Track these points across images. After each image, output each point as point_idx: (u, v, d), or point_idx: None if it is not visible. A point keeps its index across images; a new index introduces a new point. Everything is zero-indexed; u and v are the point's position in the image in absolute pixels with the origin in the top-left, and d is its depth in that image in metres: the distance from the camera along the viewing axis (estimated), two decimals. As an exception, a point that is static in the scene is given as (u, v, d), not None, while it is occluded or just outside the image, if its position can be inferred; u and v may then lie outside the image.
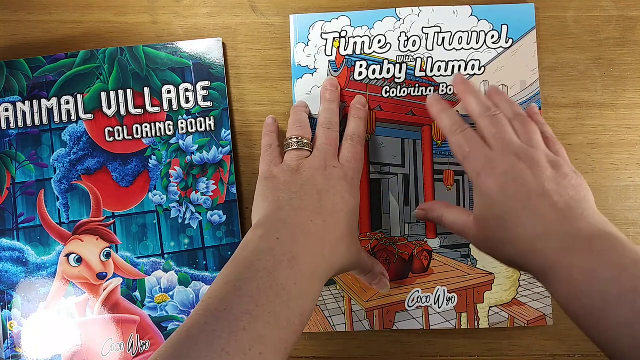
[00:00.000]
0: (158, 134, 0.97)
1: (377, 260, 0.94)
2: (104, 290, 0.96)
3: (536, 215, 0.75)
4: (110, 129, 0.98)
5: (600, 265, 0.69)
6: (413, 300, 0.96)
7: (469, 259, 0.96)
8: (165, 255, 0.97)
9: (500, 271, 0.96)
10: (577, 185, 0.78)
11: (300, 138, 0.89)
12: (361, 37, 0.97)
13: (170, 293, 0.97)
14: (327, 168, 0.85)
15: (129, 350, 0.96)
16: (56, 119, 0.98)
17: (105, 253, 0.97)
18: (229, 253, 0.97)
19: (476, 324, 0.95)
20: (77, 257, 0.96)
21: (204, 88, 0.98)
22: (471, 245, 0.96)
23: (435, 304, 0.96)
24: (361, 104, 0.95)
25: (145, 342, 0.96)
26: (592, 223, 0.74)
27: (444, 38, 0.97)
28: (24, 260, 0.96)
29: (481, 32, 0.97)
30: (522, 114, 0.87)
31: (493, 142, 0.82)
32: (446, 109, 0.89)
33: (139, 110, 0.98)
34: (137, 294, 0.97)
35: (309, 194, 0.81)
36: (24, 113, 0.97)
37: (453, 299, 0.96)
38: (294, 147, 0.89)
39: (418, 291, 0.96)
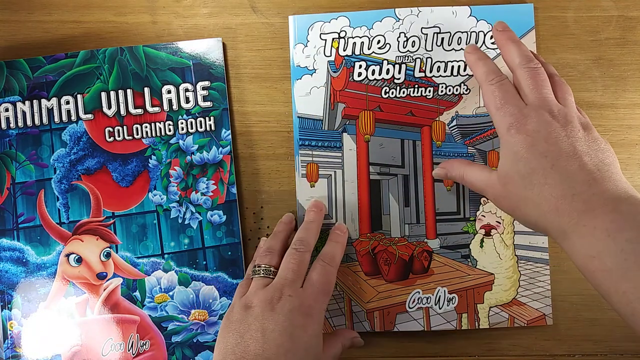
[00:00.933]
0: (158, 134, 0.98)
1: (340, 333, 0.93)
2: (104, 290, 0.96)
3: (564, 175, 0.74)
4: (110, 129, 0.98)
5: (626, 225, 0.69)
6: (414, 302, 0.96)
7: (469, 260, 0.96)
8: (165, 255, 0.97)
9: (500, 271, 0.96)
10: (606, 149, 0.78)
11: (267, 266, 0.88)
12: (360, 37, 0.97)
13: (170, 293, 0.97)
14: (282, 299, 0.82)
15: (129, 350, 0.96)
16: (56, 119, 0.98)
17: (105, 253, 0.97)
18: (229, 253, 0.98)
19: (476, 324, 0.95)
20: (77, 257, 0.96)
21: (204, 88, 0.98)
22: (471, 246, 0.96)
23: (435, 304, 0.96)
24: (341, 230, 0.95)
25: (145, 342, 0.96)
26: (618, 186, 0.74)
27: (443, 38, 0.97)
28: (24, 260, 0.96)
29: (480, 33, 0.97)
30: (557, 75, 0.86)
31: (530, 96, 0.80)
32: (483, 58, 0.87)
33: (139, 110, 0.98)
34: (137, 294, 0.97)
35: (254, 336, 0.79)
36: (24, 113, 0.97)
37: (453, 300, 0.96)
38: (259, 275, 0.88)
39: (418, 292, 0.96)
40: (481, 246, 0.96)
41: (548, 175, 0.74)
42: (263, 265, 0.88)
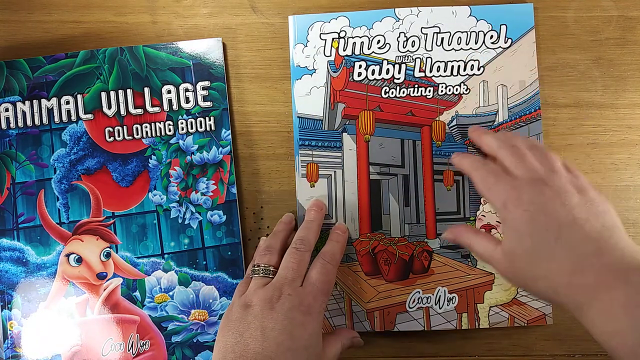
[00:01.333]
0: (158, 134, 0.98)
1: (340, 332, 0.93)
2: (104, 290, 0.96)
3: (569, 248, 0.73)
4: (110, 129, 0.98)
5: None
6: (414, 302, 0.96)
7: (469, 259, 0.96)
8: (165, 255, 0.97)
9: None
10: (605, 211, 0.77)
11: (266, 266, 0.88)
12: (360, 37, 0.97)
13: (170, 293, 0.97)
14: (281, 298, 0.82)
15: (129, 350, 0.96)
16: (56, 119, 0.98)
17: (105, 253, 0.97)
18: (229, 253, 0.98)
19: (476, 324, 0.95)
20: (77, 257, 0.96)
21: (204, 88, 0.98)
22: (471, 246, 0.97)
23: (436, 304, 0.96)
24: (341, 229, 0.95)
25: (145, 342, 0.96)
26: (626, 254, 0.72)
27: (443, 38, 0.97)
28: (24, 260, 0.96)
29: (480, 32, 0.97)
30: (539, 146, 0.86)
31: (516, 170, 0.81)
32: (466, 155, 0.89)
33: (139, 110, 0.98)
34: (137, 294, 0.97)
35: (253, 335, 0.78)
36: (24, 113, 0.98)
37: (454, 300, 0.96)
38: (259, 274, 0.88)
39: (419, 292, 0.96)
40: (482, 246, 0.96)
41: (554, 250, 0.74)
42: (262, 265, 0.88)
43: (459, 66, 0.97)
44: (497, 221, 0.96)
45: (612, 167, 0.98)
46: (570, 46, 0.99)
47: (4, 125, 0.98)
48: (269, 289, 0.83)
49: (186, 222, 0.97)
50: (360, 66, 0.97)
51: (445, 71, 0.97)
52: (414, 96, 0.97)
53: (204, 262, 0.97)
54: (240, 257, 0.98)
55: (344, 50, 0.98)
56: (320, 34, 0.98)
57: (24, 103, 0.98)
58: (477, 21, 0.97)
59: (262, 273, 0.87)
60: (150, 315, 0.97)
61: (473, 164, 0.86)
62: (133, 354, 0.96)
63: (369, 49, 0.97)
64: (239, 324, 0.80)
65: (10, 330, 0.96)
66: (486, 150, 0.88)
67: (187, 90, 0.98)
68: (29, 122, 0.98)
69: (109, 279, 0.96)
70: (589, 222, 0.74)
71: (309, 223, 0.93)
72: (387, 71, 0.97)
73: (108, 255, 0.97)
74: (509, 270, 0.79)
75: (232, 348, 0.78)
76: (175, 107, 0.98)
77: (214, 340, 0.95)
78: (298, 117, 0.98)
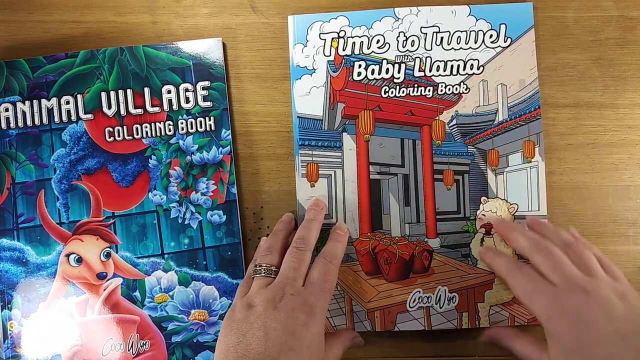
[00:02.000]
0: (158, 134, 0.98)
1: (341, 333, 0.93)
2: (104, 290, 0.96)
3: None
4: (110, 129, 0.98)
5: None
6: (414, 301, 0.96)
7: (469, 259, 0.96)
8: (165, 255, 0.97)
9: (501, 271, 0.95)
10: None
11: (267, 266, 0.88)
12: (360, 37, 0.97)
13: (170, 293, 0.97)
14: (284, 298, 0.81)
15: (129, 350, 0.96)
16: (56, 119, 0.98)
17: (105, 253, 0.97)
18: (229, 253, 0.98)
19: (477, 323, 0.95)
20: (77, 257, 0.96)
21: (204, 88, 0.98)
22: (471, 245, 0.96)
23: (436, 304, 0.96)
24: (342, 229, 0.95)
25: (145, 342, 0.96)
26: None
27: (442, 37, 0.97)
28: (24, 260, 0.96)
29: (479, 32, 0.97)
30: (572, 241, 0.86)
31: (554, 278, 0.81)
32: (499, 254, 0.90)
33: (139, 110, 0.98)
34: (137, 294, 0.97)
35: (256, 335, 0.78)
36: (24, 113, 0.98)
37: (454, 299, 0.96)
38: (261, 274, 0.87)
39: (419, 291, 0.96)
40: (481, 245, 0.96)
41: None
42: (264, 265, 0.87)
43: (458, 65, 0.97)
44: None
45: (612, 167, 0.98)
46: (570, 46, 0.99)
47: (4, 125, 0.98)
48: (271, 289, 0.83)
49: (186, 222, 0.97)
50: (359, 66, 0.97)
51: (444, 70, 0.97)
52: (414, 96, 0.97)
53: (204, 262, 0.97)
54: (240, 257, 0.98)
55: (344, 50, 0.98)
56: (320, 33, 0.98)
57: (24, 103, 0.98)
58: (477, 20, 0.97)
59: (264, 273, 0.87)
60: (150, 315, 0.97)
61: (508, 267, 0.86)
62: (133, 354, 0.96)
63: (368, 48, 0.97)
64: (242, 324, 0.80)
65: (10, 330, 0.96)
66: (516, 249, 0.90)
67: (187, 90, 0.98)
68: (29, 122, 0.98)
69: (109, 279, 0.96)
70: (635, 337, 0.73)
71: (309, 222, 0.92)
72: (387, 71, 0.97)
73: (108, 255, 0.97)
74: None
75: (234, 348, 0.78)
76: (175, 107, 0.98)
77: (214, 340, 0.96)
78: (298, 117, 0.98)
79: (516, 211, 0.95)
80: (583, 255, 0.83)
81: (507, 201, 0.96)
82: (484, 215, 0.96)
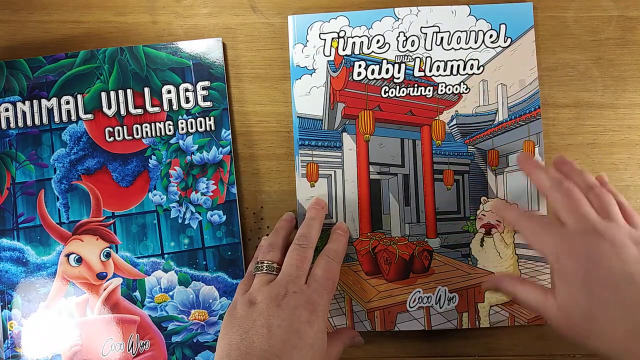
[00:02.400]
0: (158, 134, 0.98)
1: (341, 332, 0.93)
2: (104, 290, 0.96)
3: (626, 308, 0.70)
4: (110, 129, 0.98)
5: None
6: (414, 301, 0.96)
7: (469, 259, 0.96)
8: (165, 255, 0.97)
9: (501, 270, 0.96)
10: None
11: (269, 263, 0.87)
12: (360, 37, 0.97)
13: (170, 293, 0.97)
14: (287, 295, 0.81)
15: (129, 350, 0.96)
16: (56, 119, 0.98)
17: (105, 253, 0.97)
18: (229, 253, 0.98)
19: (477, 323, 0.95)
20: (77, 257, 0.96)
21: (204, 88, 0.98)
22: (471, 245, 0.96)
23: (436, 304, 0.96)
24: (342, 229, 0.94)
25: (145, 342, 0.96)
26: None
27: (442, 37, 0.97)
28: (24, 260, 0.97)
29: (479, 32, 0.97)
30: (596, 184, 0.83)
31: (569, 218, 0.79)
32: (509, 206, 0.91)
33: (139, 110, 0.98)
34: (137, 294, 0.97)
35: (259, 332, 0.77)
36: (24, 113, 0.98)
37: (454, 299, 0.96)
38: (262, 271, 0.86)
39: (419, 291, 0.96)
40: (481, 245, 0.96)
41: (609, 308, 0.71)
42: (266, 262, 0.87)
43: (458, 65, 0.97)
44: (497, 220, 0.96)
45: (612, 167, 0.98)
46: (570, 46, 0.99)
47: (4, 125, 0.98)
48: (274, 286, 0.82)
49: (186, 222, 0.97)
50: (359, 66, 0.97)
51: (444, 70, 0.97)
52: (414, 96, 0.97)
53: (204, 262, 0.97)
54: (240, 257, 0.98)
55: (344, 50, 0.98)
56: (320, 33, 0.98)
57: (24, 103, 0.98)
58: (477, 20, 0.97)
59: (266, 270, 0.86)
60: (150, 315, 0.97)
61: (518, 215, 0.85)
62: (133, 354, 0.96)
63: (368, 48, 0.97)
64: (244, 321, 0.79)
65: (10, 330, 0.96)
66: (537, 185, 0.89)
67: (187, 90, 0.98)
68: (29, 122, 0.98)
69: (109, 279, 0.97)
70: None
71: (310, 220, 0.92)
72: (387, 71, 0.97)
73: (108, 255, 0.97)
74: (562, 324, 0.76)
75: (236, 345, 0.77)
76: (175, 107, 0.98)
77: (214, 340, 0.96)
78: (298, 117, 0.98)
79: (516, 211, 0.96)
80: (604, 199, 0.80)
81: (507, 201, 0.96)
82: (484, 215, 0.96)
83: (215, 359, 0.80)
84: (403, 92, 0.97)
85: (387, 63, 0.97)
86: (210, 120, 0.98)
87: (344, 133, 0.97)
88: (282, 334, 0.77)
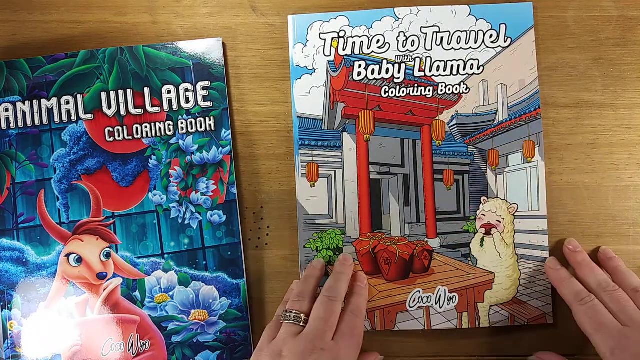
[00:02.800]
0: (158, 134, 0.98)
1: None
2: (104, 290, 0.96)
3: None
4: (110, 129, 0.98)
5: None
6: (414, 301, 0.96)
7: (469, 259, 0.96)
8: (165, 255, 0.97)
9: (501, 270, 0.96)
10: None
11: (297, 313, 0.86)
12: (360, 37, 0.97)
13: (170, 293, 0.97)
14: (314, 352, 0.79)
15: (129, 350, 0.96)
16: (56, 119, 0.98)
17: (105, 253, 0.97)
18: (229, 253, 0.98)
19: (477, 323, 0.95)
20: (77, 257, 0.96)
21: (204, 88, 0.98)
22: (471, 245, 0.96)
23: (436, 303, 0.96)
24: (363, 282, 0.94)
25: (145, 342, 0.96)
26: None
27: (442, 37, 0.97)
28: (24, 260, 0.96)
29: (479, 32, 0.97)
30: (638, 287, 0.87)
31: (622, 317, 0.82)
32: (568, 277, 0.91)
33: (139, 110, 0.98)
34: (137, 294, 0.97)
35: None
36: (24, 113, 0.98)
37: (454, 299, 0.96)
38: (290, 321, 0.85)
39: (419, 291, 0.96)
40: (481, 245, 0.96)
41: None
42: (294, 312, 0.86)
43: (458, 65, 0.97)
44: (497, 220, 0.96)
45: (612, 167, 0.98)
46: (570, 46, 0.99)
47: (4, 125, 0.98)
48: (301, 341, 0.81)
49: (186, 222, 0.97)
50: (360, 66, 0.97)
51: (445, 70, 0.97)
52: (414, 95, 0.97)
53: (204, 262, 0.97)
54: (240, 257, 0.98)
55: (344, 50, 0.98)
56: (320, 33, 0.98)
57: (24, 103, 0.98)
58: (477, 20, 0.97)
59: (294, 320, 0.85)
60: (150, 315, 0.97)
61: (576, 296, 0.87)
62: (133, 354, 0.96)
63: (368, 48, 0.97)
64: None
65: (10, 330, 0.96)
66: (584, 283, 0.90)
67: (187, 90, 0.98)
68: (29, 122, 0.98)
69: (109, 279, 0.97)
70: None
71: (339, 275, 0.91)
72: (387, 71, 0.97)
73: (108, 255, 0.97)
74: None
75: None
76: (175, 107, 0.98)
77: (213, 341, 0.96)
78: (298, 117, 0.98)
79: (516, 211, 0.95)
80: None
81: (507, 201, 0.96)
82: (484, 215, 0.96)
83: None
84: (403, 92, 0.97)
85: (387, 63, 0.97)
86: (210, 120, 0.98)
87: (344, 133, 0.97)
88: None
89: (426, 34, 0.97)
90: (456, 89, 0.97)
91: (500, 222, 0.96)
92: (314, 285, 0.92)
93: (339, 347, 0.82)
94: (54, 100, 0.98)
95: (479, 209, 0.97)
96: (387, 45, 0.97)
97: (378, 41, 0.97)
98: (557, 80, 0.98)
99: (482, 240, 0.96)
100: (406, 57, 0.97)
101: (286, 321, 0.85)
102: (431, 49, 0.97)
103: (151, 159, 0.97)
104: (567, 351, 0.96)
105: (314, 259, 0.97)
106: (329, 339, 0.82)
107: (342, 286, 0.89)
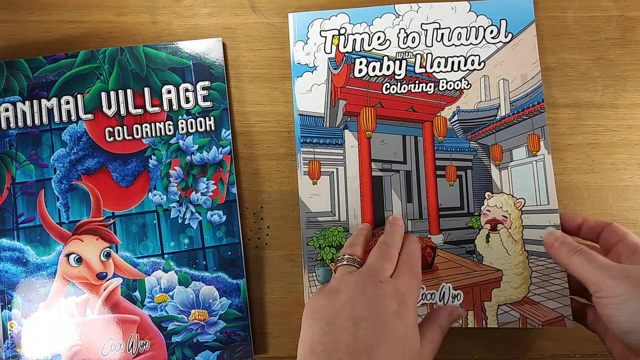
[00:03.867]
0: (158, 134, 0.97)
1: (435, 315, 0.85)
2: (104, 290, 0.96)
3: None
4: (110, 129, 0.98)
5: None
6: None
7: (474, 255, 0.95)
8: (165, 255, 0.96)
9: (509, 267, 0.94)
10: None
11: (350, 256, 0.82)
12: (360, 34, 0.98)
13: (170, 293, 0.96)
14: (372, 284, 0.75)
15: (129, 350, 0.95)
16: (56, 119, 0.97)
17: (105, 253, 0.96)
18: (229, 253, 0.97)
19: (484, 323, 0.94)
20: (77, 257, 0.96)
21: (204, 88, 0.98)
22: (476, 241, 0.96)
23: (440, 301, 0.95)
24: (413, 238, 0.88)
25: (145, 342, 0.95)
26: None
27: (443, 34, 0.97)
28: (24, 260, 0.96)
29: (480, 27, 0.97)
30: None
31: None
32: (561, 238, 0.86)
33: (139, 110, 0.98)
34: (137, 294, 0.96)
35: (344, 325, 0.71)
36: (24, 113, 0.97)
37: (459, 296, 0.94)
38: (344, 263, 0.82)
39: (422, 288, 0.95)
40: (487, 241, 0.95)
41: None
42: (347, 255, 0.83)
43: (459, 61, 0.97)
44: (503, 216, 0.95)
45: (612, 167, 0.98)
46: (570, 46, 0.99)
47: (4, 125, 0.97)
48: (357, 276, 0.78)
49: (186, 222, 0.97)
50: (360, 63, 0.97)
51: (446, 67, 0.97)
52: (415, 92, 0.97)
53: (204, 262, 0.97)
54: (240, 257, 0.97)
55: (345, 47, 0.98)
56: (321, 31, 0.98)
57: (24, 103, 0.98)
58: (477, 16, 0.97)
59: (347, 262, 0.82)
60: (150, 315, 0.96)
61: (568, 250, 0.82)
62: (133, 354, 0.95)
63: (369, 45, 0.98)
64: (325, 313, 0.74)
65: (10, 330, 0.95)
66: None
67: (187, 90, 0.98)
68: (29, 122, 0.97)
69: (109, 279, 0.96)
70: None
71: (392, 227, 0.88)
72: (388, 67, 0.97)
73: (108, 255, 0.96)
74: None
75: (319, 340, 0.72)
76: (175, 107, 0.98)
77: (214, 341, 0.95)
78: (299, 114, 0.98)
79: (523, 206, 0.95)
80: None
81: (512, 196, 0.95)
82: (489, 211, 0.96)
83: (298, 355, 0.74)
84: (404, 88, 0.97)
85: (388, 60, 0.97)
86: (210, 120, 0.98)
87: (345, 130, 0.97)
88: (369, 328, 0.71)
89: (427, 30, 0.97)
90: (457, 85, 0.97)
91: (506, 217, 0.95)
92: (365, 236, 0.89)
93: (398, 281, 0.77)
94: (54, 100, 0.98)
95: (483, 205, 0.96)
96: (388, 42, 0.97)
97: (379, 38, 0.97)
98: (557, 80, 0.99)
99: (488, 236, 0.95)
100: (407, 54, 0.97)
101: (340, 265, 0.82)
102: (432, 46, 0.97)
103: (151, 159, 0.97)
104: (567, 351, 0.97)
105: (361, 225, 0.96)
106: (388, 275, 0.78)
107: (396, 237, 0.85)
